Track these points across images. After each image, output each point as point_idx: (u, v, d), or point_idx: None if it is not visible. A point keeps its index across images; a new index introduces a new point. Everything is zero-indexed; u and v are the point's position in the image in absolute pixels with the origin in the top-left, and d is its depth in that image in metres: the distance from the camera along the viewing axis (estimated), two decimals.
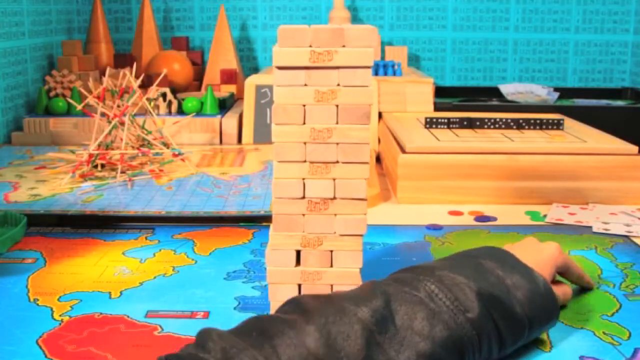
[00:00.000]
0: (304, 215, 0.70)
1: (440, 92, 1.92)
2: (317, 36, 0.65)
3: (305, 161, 0.69)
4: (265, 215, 1.05)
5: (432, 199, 1.19)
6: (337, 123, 0.68)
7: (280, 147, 0.68)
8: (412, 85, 1.61)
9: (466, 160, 1.18)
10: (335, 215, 0.70)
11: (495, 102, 1.77)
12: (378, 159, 1.48)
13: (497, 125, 1.39)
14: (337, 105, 0.67)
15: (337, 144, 0.68)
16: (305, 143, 0.68)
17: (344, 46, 0.66)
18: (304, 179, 0.69)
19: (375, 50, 1.95)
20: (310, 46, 0.66)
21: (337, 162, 0.69)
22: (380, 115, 1.57)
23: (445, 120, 1.39)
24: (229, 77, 1.87)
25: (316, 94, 0.67)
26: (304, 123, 0.68)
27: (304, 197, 0.69)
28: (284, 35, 0.65)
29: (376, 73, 1.69)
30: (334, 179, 0.69)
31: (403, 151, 1.20)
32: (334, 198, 0.69)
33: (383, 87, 1.60)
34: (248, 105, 1.60)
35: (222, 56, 1.96)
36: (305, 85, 0.67)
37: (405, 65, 1.97)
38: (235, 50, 2.00)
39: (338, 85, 0.67)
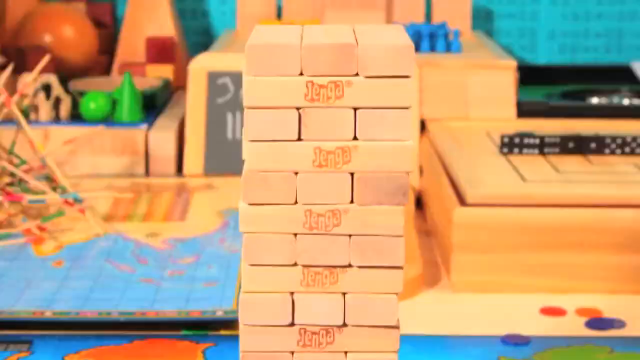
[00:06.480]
0: (293, 353, 0.53)
1: (530, 76, 1.22)
2: (314, 58, 0.49)
3: (295, 264, 0.52)
4: (225, 320, 0.78)
5: (512, 284, 0.82)
6: (351, 202, 0.51)
7: (254, 242, 0.52)
8: (478, 71, 1.10)
9: (574, 217, 0.81)
10: (346, 353, 0.53)
11: (627, 97, 1.17)
12: (418, 203, 1.03)
13: (628, 150, 0.94)
14: (351, 173, 0.50)
15: (350, 236, 0.51)
16: (295, 235, 0.52)
17: (357, 74, 0.48)
18: (293, 293, 0.52)
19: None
20: (302, 74, 0.48)
21: (350, 265, 0.52)
22: (423, 125, 1.08)
23: (537, 140, 0.92)
24: (160, 51, 1.26)
25: (317, 153, 0.50)
26: (296, 202, 0.51)
27: (293, 324, 0.53)
28: (258, 58, 0.49)
29: (416, 48, 1.19)
30: (344, 294, 0.53)
31: (462, 200, 0.84)
32: (344, 325, 0.53)
33: (428, 76, 1.08)
34: (195, 105, 1.11)
35: (149, 14, 1.33)
36: (300, 139, 0.50)
37: (468, 30, 1.32)
38: (173, 3, 1.37)
39: (354, 139, 0.50)
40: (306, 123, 0.49)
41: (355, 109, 0.49)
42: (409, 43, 0.48)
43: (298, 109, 0.49)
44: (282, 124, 0.50)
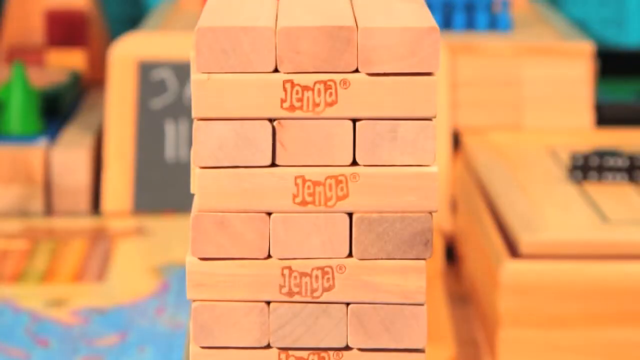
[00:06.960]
0: None
1: (615, 65, 1.03)
2: (294, 47, 0.41)
3: (268, 346, 0.43)
4: None
5: None
6: (349, 255, 0.42)
7: (208, 314, 0.43)
8: (537, 58, 0.91)
9: None
10: None
11: None
12: (450, 255, 0.87)
13: None
14: (349, 214, 0.41)
15: (348, 304, 0.42)
16: (268, 303, 0.42)
17: (356, 71, 0.40)
18: None
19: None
20: (277, 70, 0.40)
21: (348, 348, 0.43)
22: (456, 139, 0.90)
23: (625, 162, 0.78)
24: (67, 30, 1.02)
25: (299, 185, 0.42)
26: (269, 256, 0.42)
27: None
28: (212, 47, 0.41)
29: (446, 25, 0.95)
30: None
31: (513, 250, 0.68)
32: None
33: (464, 66, 0.89)
34: (118, 110, 0.91)
35: None
36: (274, 164, 0.41)
37: None
38: None
39: (353, 164, 0.41)
40: (283, 141, 0.40)
41: (354, 121, 0.39)
42: (432, 24, 0.39)
43: (271, 120, 0.39)
44: (248, 143, 0.39)
